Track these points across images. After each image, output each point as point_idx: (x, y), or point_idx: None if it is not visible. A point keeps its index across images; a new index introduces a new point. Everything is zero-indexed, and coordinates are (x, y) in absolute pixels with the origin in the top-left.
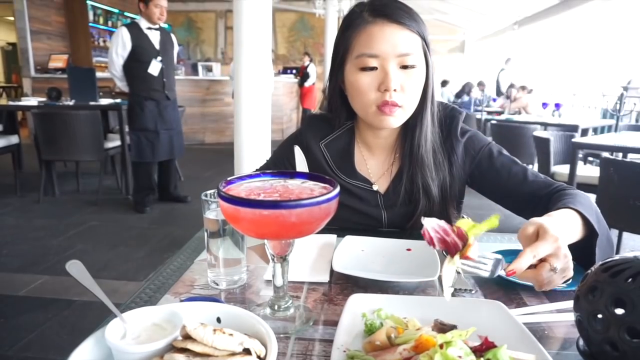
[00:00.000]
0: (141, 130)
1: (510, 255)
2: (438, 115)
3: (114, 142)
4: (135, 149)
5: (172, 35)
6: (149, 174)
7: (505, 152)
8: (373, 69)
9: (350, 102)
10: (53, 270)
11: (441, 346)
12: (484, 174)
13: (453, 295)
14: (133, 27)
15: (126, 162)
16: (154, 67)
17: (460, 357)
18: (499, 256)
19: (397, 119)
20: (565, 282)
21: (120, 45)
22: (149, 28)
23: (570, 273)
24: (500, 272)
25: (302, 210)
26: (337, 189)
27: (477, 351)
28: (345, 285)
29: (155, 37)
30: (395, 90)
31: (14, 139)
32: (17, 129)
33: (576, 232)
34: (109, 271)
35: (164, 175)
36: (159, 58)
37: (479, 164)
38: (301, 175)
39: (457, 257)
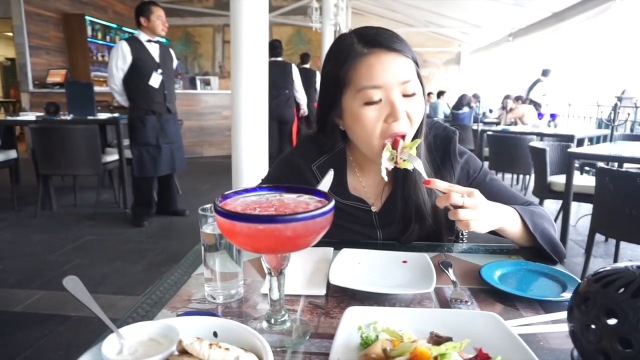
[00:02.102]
0: (143, 145)
1: (503, 267)
2: (429, 136)
3: (112, 156)
4: (137, 164)
5: (171, 50)
6: (149, 188)
7: (495, 177)
8: (377, 102)
9: (350, 136)
10: (50, 286)
11: (435, 358)
12: None
13: (449, 307)
14: (133, 41)
15: (124, 176)
16: (155, 80)
17: None
18: (420, 160)
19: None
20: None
21: (121, 58)
22: (149, 41)
23: (479, 218)
24: (423, 173)
25: (298, 224)
26: (332, 203)
27: None
28: (341, 298)
29: (155, 50)
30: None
31: (12, 154)
32: (15, 144)
33: (504, 215)
34: (106, 286)
35: (163, 189)
36: (160, 70)
37: (474, 185)
38: (297, 189)
39: (389, 144)
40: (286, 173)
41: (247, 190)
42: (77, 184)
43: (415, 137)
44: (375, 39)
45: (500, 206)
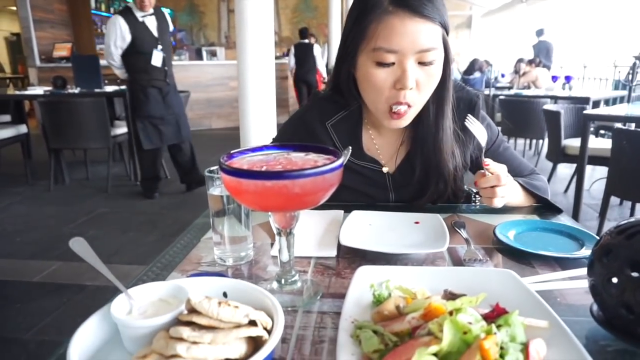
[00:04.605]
0: (147, 118)
1: (518, 226)
2: (453, 98)
3: (121, 129)
4: (143, 136)
5: (166, 15)
6: (154, 160)
7: (507, 145)
8: (390, 64)
9: (360, 91)
10: (65, 257)
11: (451, 313)
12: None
13: (463, 266)
14: (129, 16)
15: (133, 149)
16: (157, 58)
17: (470, 323)
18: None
19: (405, 120)
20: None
21: (119, 37)
22: (144, 15)
23: (500, 193)
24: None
25: (306, 180)
26: (341, 160)
27: (488, 318)
28: (352, 259)
29: (152, 24)
30: (410, 88)
31: (22, 129)
32: (25, 119)
33: (515, 193)
34: (120, 256)
35: (181, 159)
36: (160, 47)
37: (489, 154)
38: (305, 147)
39: None
40: (299, 131)
41: (253, 150)
42: (88, 157)
43: (439, 104)
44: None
45: (515, 185)
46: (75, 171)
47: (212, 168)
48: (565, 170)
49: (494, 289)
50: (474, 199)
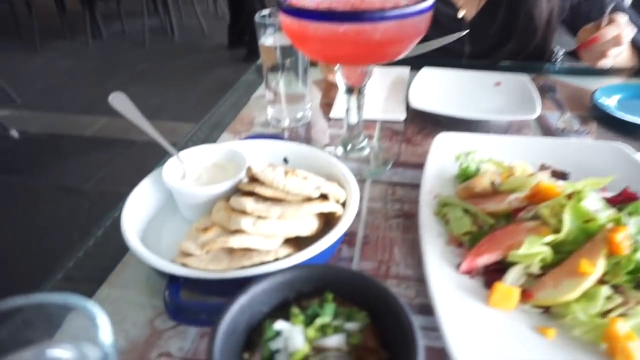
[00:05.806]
0: None
1: (622, 91)
2: None
3: None
4: None
5: None
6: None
7: None
8: None
9: None
10: (112, 112)
11: (569, 197)
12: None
13: (554, 136)
14: None
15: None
16: None
17: (596, 211)
18: None
19: None
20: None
21: None
22: None
23: (613, 53)
24: None
25: (390, 24)
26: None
27: (612, 203)
28: (424, 124)
29: None
30: None
31: None
32: None
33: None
34: (165, 112)
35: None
36: None
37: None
38: None
39: None
40: None
41: None
42: (122, 9)
43: None
44: None
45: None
46: (111, 25)
47: (264, 11)
48: None
49: (601, 167)
50: (555, 57)
